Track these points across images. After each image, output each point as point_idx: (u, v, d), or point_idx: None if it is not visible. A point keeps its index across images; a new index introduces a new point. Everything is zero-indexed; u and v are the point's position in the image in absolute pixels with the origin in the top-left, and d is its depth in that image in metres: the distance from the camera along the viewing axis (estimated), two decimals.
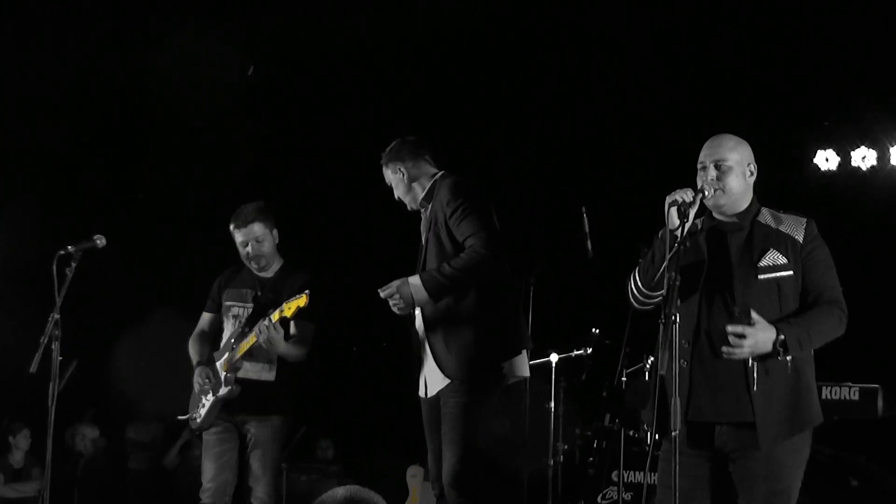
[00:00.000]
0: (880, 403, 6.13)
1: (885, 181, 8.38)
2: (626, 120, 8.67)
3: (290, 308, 4.88)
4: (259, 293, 5.28)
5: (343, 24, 8.43)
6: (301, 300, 4.85)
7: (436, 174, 4.71)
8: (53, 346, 4.61)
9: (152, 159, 9.46)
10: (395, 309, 4.49)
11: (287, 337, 5.10)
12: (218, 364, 5.26)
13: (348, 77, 9.14)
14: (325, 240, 9.85)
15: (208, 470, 5.23)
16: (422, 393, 4.63)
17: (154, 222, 9.33)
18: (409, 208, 4.80)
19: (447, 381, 4.44)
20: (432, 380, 4.52)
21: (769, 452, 3.66)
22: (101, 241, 4.93)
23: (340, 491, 7.54)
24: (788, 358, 3.65)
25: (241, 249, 5.31)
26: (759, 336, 3.59)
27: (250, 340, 5.07)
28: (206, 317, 5.50)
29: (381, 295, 4.48)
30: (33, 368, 4.58)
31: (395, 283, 4.45)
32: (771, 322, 3.63)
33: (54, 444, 4.71)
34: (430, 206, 4.65)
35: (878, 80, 7.87)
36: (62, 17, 8.40)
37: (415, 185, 4.72)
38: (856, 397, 6.11)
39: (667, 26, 8.16)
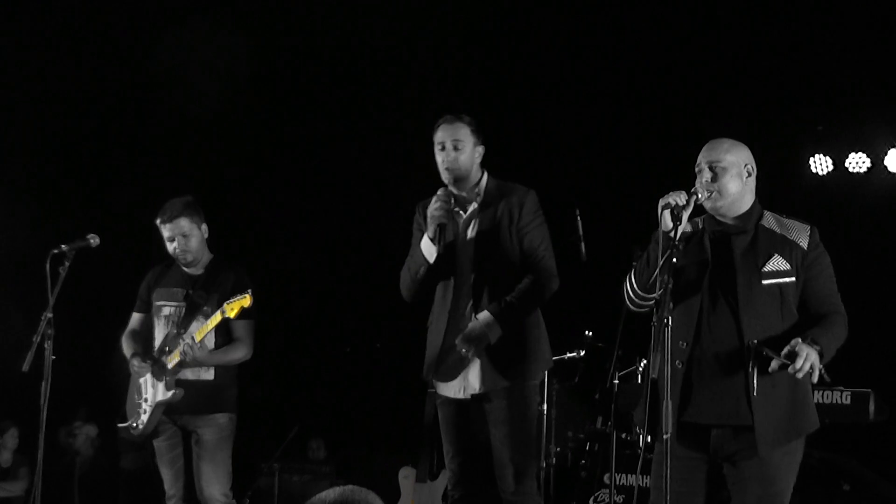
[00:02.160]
0: (872, 408, 6.14)
1: (878, 186, 8.39)
2: (620, 122, 8.67)
3: (232, 309, 4.85)
4: (191, 291, 5.21)
5: (341, 20, 8.44)
6: (245, 300, 4.83)
7: (483, 172, 4.62)
8: (46, 345, 4.60)
9: (148, 157, 9.45)
10: (469, 355, 4.40)
11: (228, 339, 5.09)
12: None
13: (345, 75, 9.13)
14: (324, 239, 9.84)
15: (167, 476, 5.24)
16: (452, 393, 4.52)
17: (150, 221, 9.31)
18: (446, 179, 4.52)
19: (505, 383, 4.39)
20: (477, 381, 4.43)
21: (765, 456, 3.66)
22: (94, 240, 4.93)
23: (336, 490, 7.55)
24: (821, 367, 3.62)
25: (167, 245, 5.24)
26: (808, 351, 3.56)
27: (175, 356, 5.03)
28: (136, 317, 5.42)
29: (462, 351, 4.39)
30: (25, 367, 4.57)
31: (467, 333, 4.35)
32: (788, 330, 3.67)
33: (48, 444, 4.71)
34: (490, 202, 4.52)
35: (872, 84, 7.89)
36: (59, 16, 8.41)
37: (473, 170, 4.58)
38: (847, 401, 6.12)
39: (662, 31, 8.17)
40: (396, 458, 7.97)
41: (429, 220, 4.42)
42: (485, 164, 4.64)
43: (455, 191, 4.54)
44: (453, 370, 4.49)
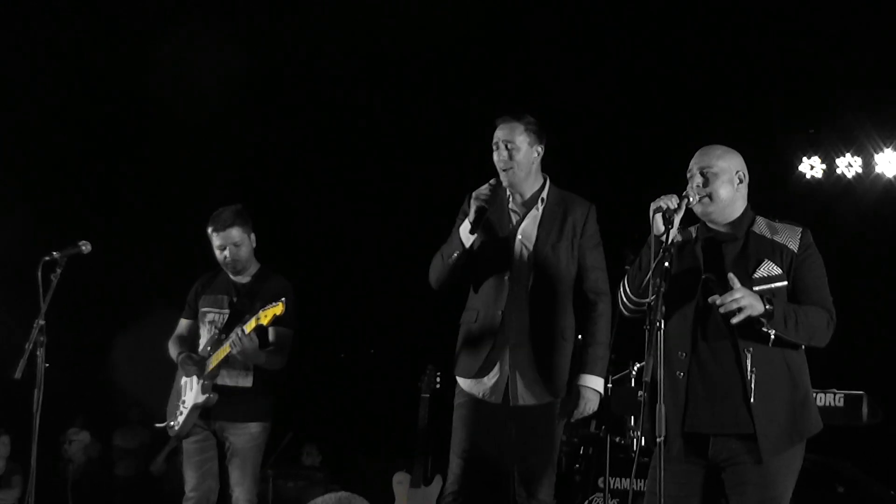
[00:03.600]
0: (865, 410, 6.13)
1: (869, 188, 8.43)
2: (611, 126, 8.69)
3: (266, 316, 4.83)
4: (235, 299, 5.21)
5: (338, 22, 8.45)
6: (277, 308, 4.81)
7: (546, 179, 4.61)
8: (38, 353, 4.59)
9: (144, 164, 9.46)
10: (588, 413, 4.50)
11: (265, 345, 5.08)
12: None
13: (342, 77, 9.14)
14: (321, 242, 9.85)
15: (190, 479, 5.19)
16: (480, 394, 4.47)
17: (146, 229, 9.32)
18: (503, 176, 4.45)
19: (549, 398, 4.41)
20: (525, 394, 4.43)
21: (766, 462, 3.65)
22: (86, 247, 4.90)
23: (331, 497, 7.55)
24: (772, 333, 3.58)
25: (218, 253, 5.21)
26: (748, 295, 3.56)
27: (224, 350, 5.01)
28: (183, 323, 5.42)
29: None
30: (17, 374, 4.55)
31: (582, 408, 4.42)
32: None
33: (41, 451, 4.69)
34: (553, 210, 4.53)
35: (862, 88, 7.91)
36: (57, 21, 8.41)
37: (532, 171, 4.54)
38: (841, 404, 6.11)
39: (653, 35, 8.18)
40: (390, 463, 7.97)
41: (472, 202, 4.38)
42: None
43: (512, 191, 4.52)
44: (488, 369, 4.47)
